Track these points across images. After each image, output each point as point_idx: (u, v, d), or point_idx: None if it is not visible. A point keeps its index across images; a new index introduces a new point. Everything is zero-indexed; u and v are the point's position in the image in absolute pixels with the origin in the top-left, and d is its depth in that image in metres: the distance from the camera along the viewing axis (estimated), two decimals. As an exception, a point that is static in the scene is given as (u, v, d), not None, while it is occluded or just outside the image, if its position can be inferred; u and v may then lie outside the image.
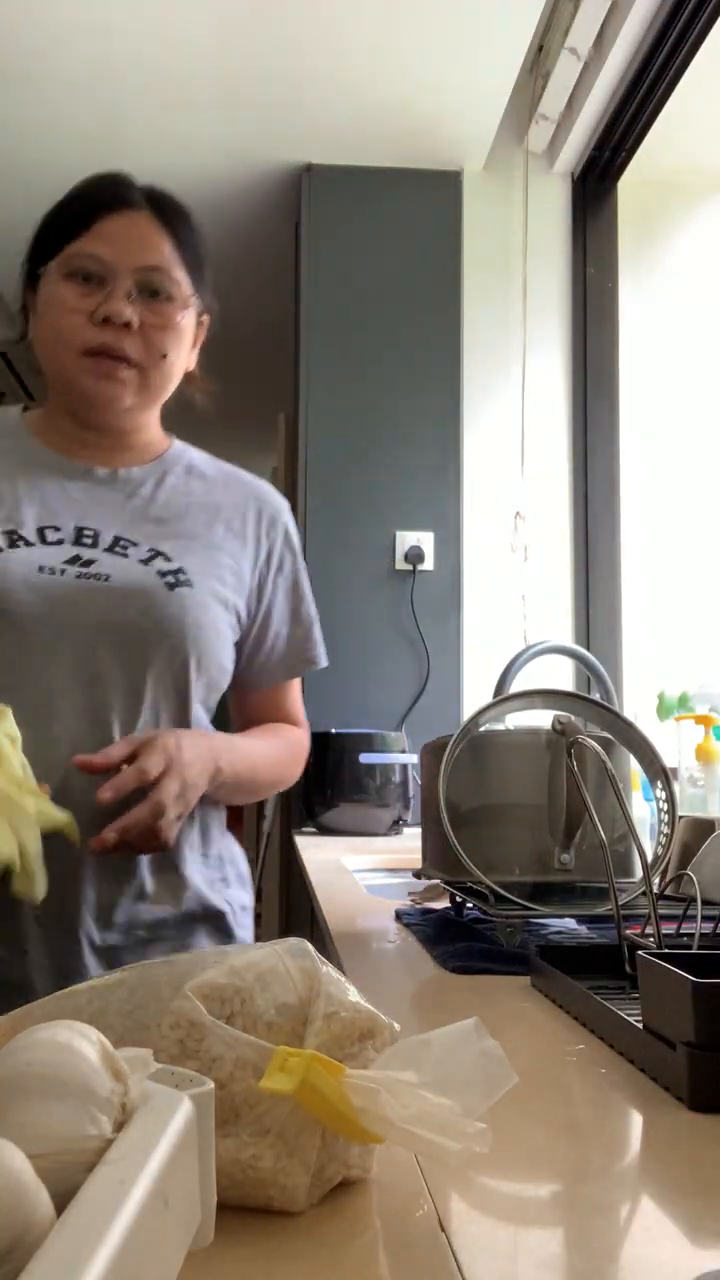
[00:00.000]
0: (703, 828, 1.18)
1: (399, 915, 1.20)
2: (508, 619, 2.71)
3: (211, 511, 1.21)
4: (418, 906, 1.26)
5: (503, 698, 1.12)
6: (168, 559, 1.13)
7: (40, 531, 1.11)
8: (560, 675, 2.47)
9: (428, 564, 2.68)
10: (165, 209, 1.16)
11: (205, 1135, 0.37)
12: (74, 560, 1.09)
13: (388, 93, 2.48)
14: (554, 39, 2.49)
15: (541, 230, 2.81)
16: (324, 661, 1.30)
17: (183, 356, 1.17)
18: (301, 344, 2.81)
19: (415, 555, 2.68)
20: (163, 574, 1.12)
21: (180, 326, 1.14)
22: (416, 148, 2.69)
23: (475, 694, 2.65)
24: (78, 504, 1.14)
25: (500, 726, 1.10)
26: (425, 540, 2.69)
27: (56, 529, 1.11)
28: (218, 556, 1.18)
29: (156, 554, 1.13)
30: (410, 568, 2.68)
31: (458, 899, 1.15)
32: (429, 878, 1.18)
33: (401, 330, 2.75)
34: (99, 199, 1.13)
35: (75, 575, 1.08)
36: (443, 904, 1.25)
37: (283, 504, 1.30)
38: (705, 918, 0.85)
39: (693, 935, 0.84)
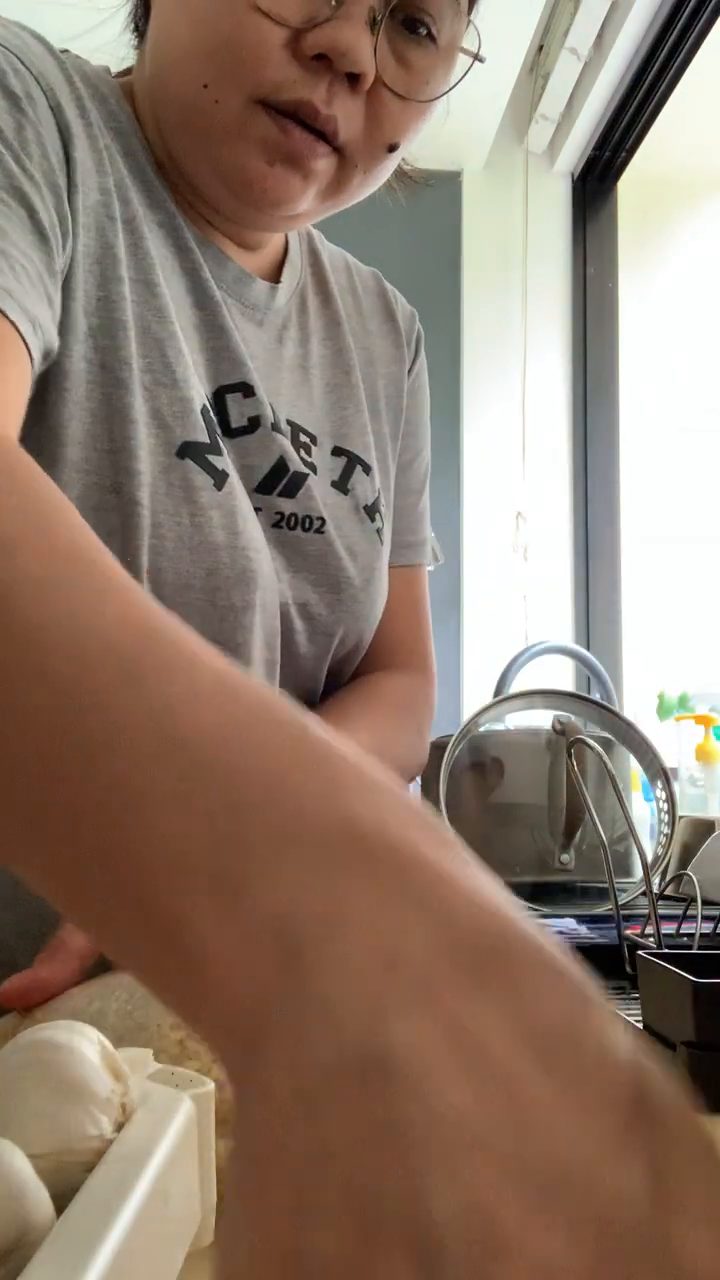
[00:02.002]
0: (703, 828, 1.18)
1: (399, 915, 1.20)
2: (508, 619, 2.71)
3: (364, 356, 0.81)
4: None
5: (503, 698, 1.12)
6: (363, 467, 0.76)
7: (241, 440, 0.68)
8: (560, 675, 2.47)
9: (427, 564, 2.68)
10: None
11: (205, 1135, 0.37)
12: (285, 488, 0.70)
13: (388, 93, 2.48)
14: (554, 39, 2.49)
15: (541, 230, 2.81)
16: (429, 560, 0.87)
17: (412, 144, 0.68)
18: (301, 344, 2.81)
19: (415, 555, 2.68)
20: (369, 510, 0.76)
21: (437, 97, 0.67)
22: (416, 148, 2.68)
23: (475, 694, 2.65)
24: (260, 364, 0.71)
25: (500, 726, 1.10)
26: (425, 540, 2.69)
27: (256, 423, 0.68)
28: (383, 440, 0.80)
29: (349, 459, 0.75)
30: (410, 568, 2.68)
31: (458, 899, 1.15)
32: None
33: (401, 330, 2.75)
34: None
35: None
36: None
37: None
38: (705, 918, 0.85)
39: (693, 935, 0.84)
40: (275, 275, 0.75)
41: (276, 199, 0.62)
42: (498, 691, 1.36)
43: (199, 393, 0.64)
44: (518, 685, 1.35)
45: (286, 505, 0.69)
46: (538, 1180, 0.16)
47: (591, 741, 0.98)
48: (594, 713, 1.11)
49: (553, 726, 1.02)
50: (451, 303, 2.76)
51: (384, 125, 0.62)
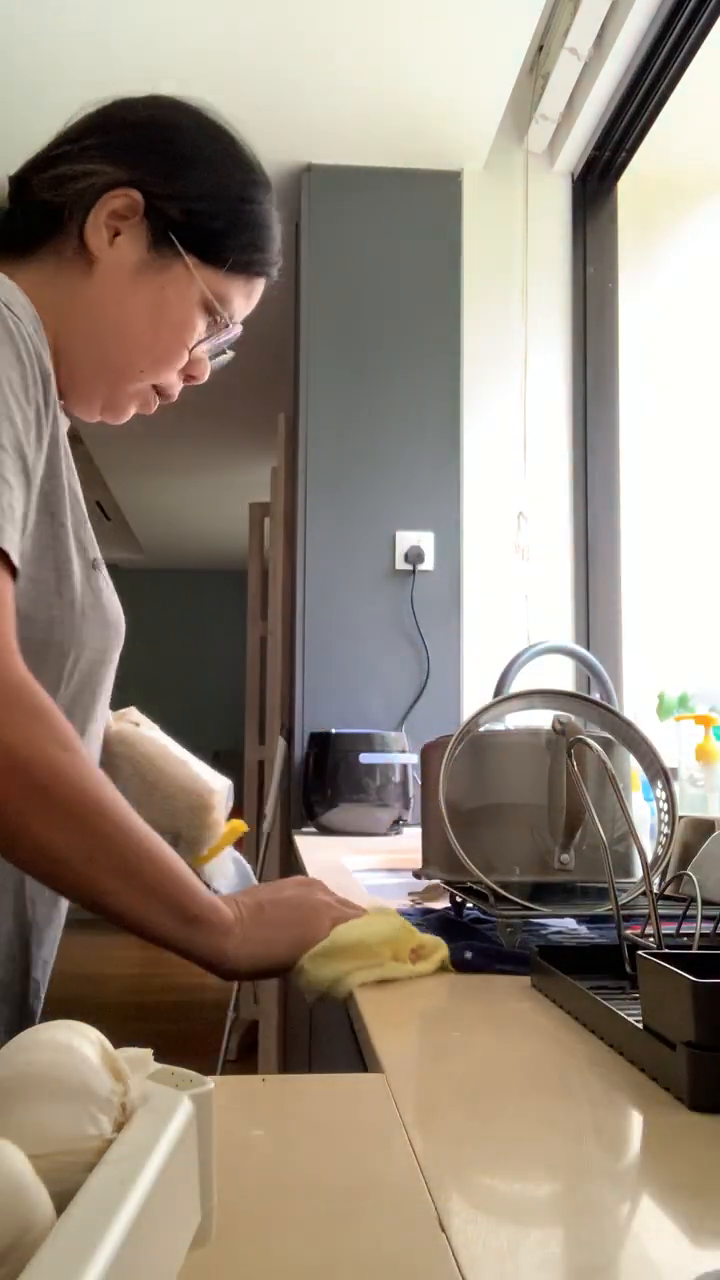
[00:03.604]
0: (703, 828, 1.18)
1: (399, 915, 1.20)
2: (508, 619, 2.71)
3: None
4: (418, 906, 1.26)
5: (503, 698, 1.12)
6: None
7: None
8: (560, 675, 2.47)
9: (428, 564, 2.68)
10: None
11: (205, 1135, 0.37)
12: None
13: (388, 93, 2.48)
14: (554, 39, 2.49)
15: (541, 230, 2.81)
16: None
17: None
18: (301, 344, 2.81)
19: (415, 555, 2.67)
20: None
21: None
22: (416, 148, 2.69)
23: (475, 694, 2.65)
24: None
25: (500, 726, 1.10)
26: (425, 540, 2.69)
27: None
28: None
29: None
30: (410, 568, 2.68)
31: (458, 899, 1.15)
32: (429, 878, 1.18)
33: (402, 330, 2.75)
34: (270, 259, 0.99)
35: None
36: (443, 904, 1.25)
37: None
38: (705, 918, 0.85)
39: (693, 935, 0.84)
40: None
41: (119, 418, 1.00)
42: (498, 691, 1.36)
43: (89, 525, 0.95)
44: (518, 685, 1.35)
45: None
46: (287, 904, 0.85)
47: (591, 741, 0.98)
48: (594, 713, 1.11)
49: (553, 726, 1.02)
50: (452, 303, 2.76)
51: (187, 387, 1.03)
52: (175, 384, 0.99)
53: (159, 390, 0.99)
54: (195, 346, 0.97)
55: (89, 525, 0.93)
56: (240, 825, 1.13)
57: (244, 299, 0.99)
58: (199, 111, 1.01)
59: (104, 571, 0.94)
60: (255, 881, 1.14)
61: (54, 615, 0.84)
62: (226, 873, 1.13)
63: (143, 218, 0.92)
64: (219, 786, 1.10)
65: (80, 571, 0.88)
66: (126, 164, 0.92)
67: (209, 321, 0.96)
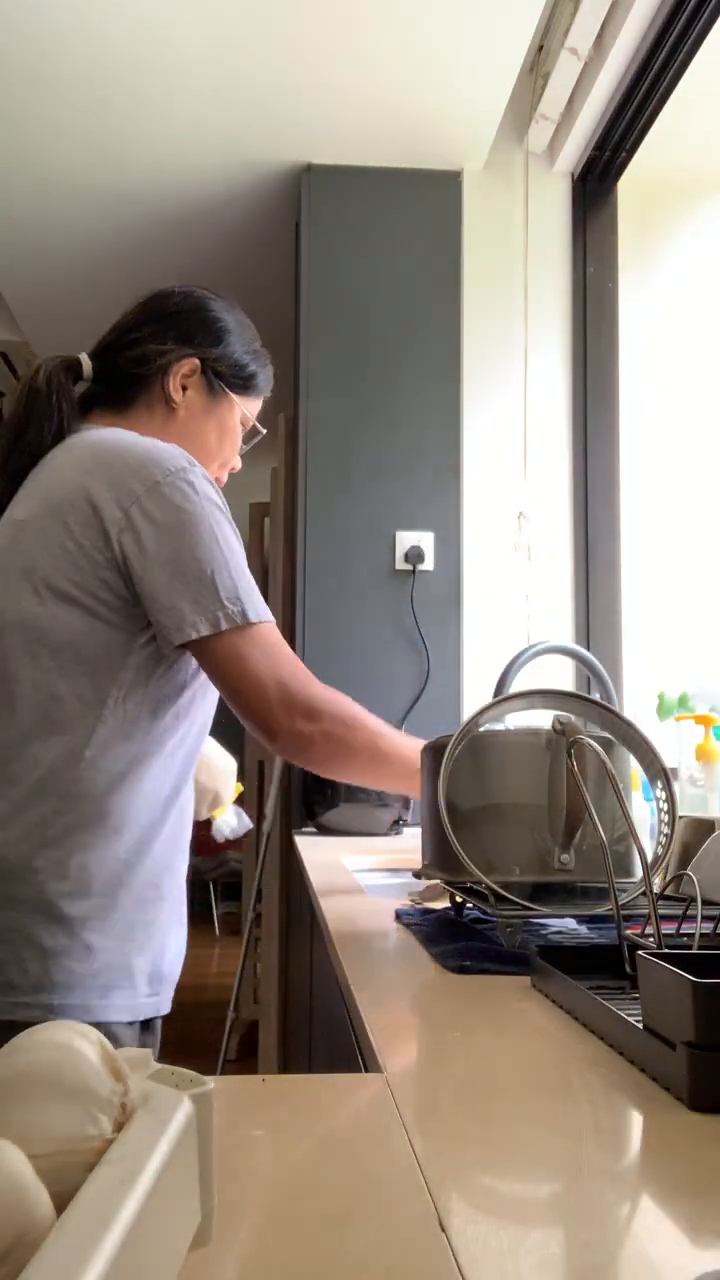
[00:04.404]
0: (703, 828, 1.18)
1: (399, 915, 1.20)
2: (508, 619, 2.71)
3: None
4: (418, 906, 1.26)
5: (503, 698, 1.12)
6: None
7: None
8: (560, 675, 2.47)
9: (428, 564, 2.68)
10: None
11: (205, 1135, 0.37)
12: None
13: (388, 93, 2.48)
14: (554, 39, 2.49)
15: (541, 230, 2.81)
16: None
17: None
18: (301, 344, 2.81)
19: (415, 555, 2.67)
20: None
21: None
22: (416, 148, 2.69)
23: (475, 694, 2.65)
24: None
25: (500, 726, 1.10)
26: (425, 540, 2.69)
27: None
28: None
29: None
30: (410, 568, 2.68)
31: (458, 899, 1.15)
32: (429, 878, 1.18)
33: (402, 330, 2.75)
34: (271, 380, 1.41)
35: None
36: (443, 904, 1.25)
37: None
38: (705, 918, 0.85)
39: (693, 935, 0.84)
40: None
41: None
42: (498, 691, 1.36)
43: None
44: (518, 685, 1.35)
45: None
46: None
47: (591, 741, 0.98)
48: (594, 713, 1.11)
49: (553, 726, 1.02)
50: (452, 302, 2.76)
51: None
52: (223, 477, 1.39)
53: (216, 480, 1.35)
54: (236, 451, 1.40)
55: None
56: (240, 786, 1.60)
57: (257, 408, 1.41)
58: (213, 294, 1.38)
59: None
60: (251, 826, 1.63)
61: None
62: (231, 821, 1.57)
63: (201, 375, 1.32)
64: (234, 762, 1.59)
65: None
66: (186, 341, 1.32)
67: (240, 431, 1.39)
